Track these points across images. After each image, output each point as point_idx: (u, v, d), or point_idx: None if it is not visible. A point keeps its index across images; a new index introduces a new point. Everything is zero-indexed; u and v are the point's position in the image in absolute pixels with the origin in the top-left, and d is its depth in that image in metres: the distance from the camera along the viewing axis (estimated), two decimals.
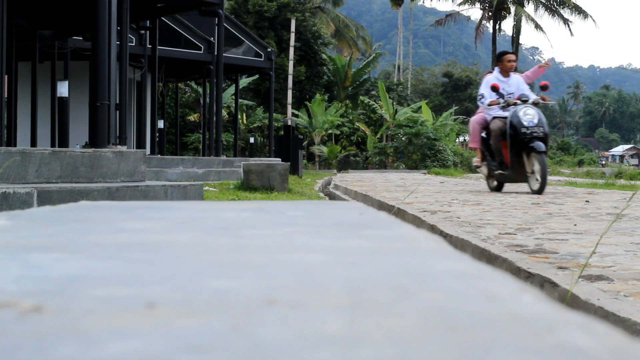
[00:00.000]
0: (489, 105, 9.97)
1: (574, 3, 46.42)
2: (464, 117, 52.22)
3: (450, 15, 49.38)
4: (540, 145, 9.22)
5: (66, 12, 13.09)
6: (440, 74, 75.41)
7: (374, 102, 36.59)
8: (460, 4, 48.16)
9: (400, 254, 1.10)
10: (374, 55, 44.75)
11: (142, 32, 16.01)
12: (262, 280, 0.83)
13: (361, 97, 37.80)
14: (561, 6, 46.87)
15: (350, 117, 36.45)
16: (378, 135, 35.79)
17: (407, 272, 0.90)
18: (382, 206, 7.29)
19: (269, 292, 0.76)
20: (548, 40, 50.56)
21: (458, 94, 68.57)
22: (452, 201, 8.01)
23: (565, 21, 46.65)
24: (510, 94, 10.10)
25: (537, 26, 46.12)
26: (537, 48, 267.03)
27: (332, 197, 10.50)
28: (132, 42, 15.50)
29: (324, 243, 1.21)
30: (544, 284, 2.67)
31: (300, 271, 0.91)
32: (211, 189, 8.78)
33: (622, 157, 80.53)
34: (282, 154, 17.90)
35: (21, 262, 0.97)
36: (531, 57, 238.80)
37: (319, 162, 34.26)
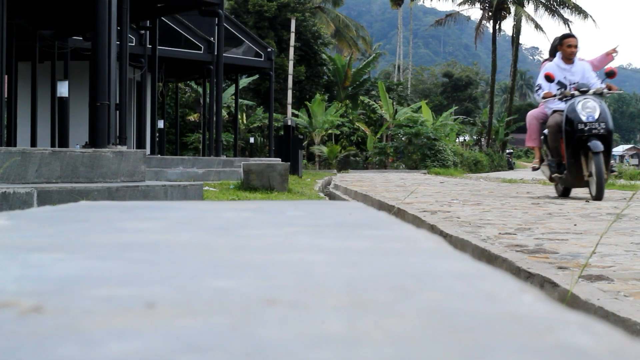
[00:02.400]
0: (543, 98, 8.69)
1: (574, 3, 46.39)
2: (464, 117, 52.28)
3: (450, 15, 49.33)
4: (596, 145, 7.92)
5: (66, 12, 13.09)
6: (440, 74, 75.46)
7: (374, 102, 36.57)
8: (460, 4, 48.14)
9: (400, 254, 1.10)
10: (374, 55, 44.73)
11: (142, 32, 16.01)
12: (262, 280, 0.83)
13: (361, 97, 37.78)
14: (561, 6, 46.84)
15: (350, 117, 36.42)
16: (378, 135, 35.77)
17: (407, 272, 0.90)
18: (382, 206, 7.28)
19: (269, 292, 0.76)
20: (548, 40, 50.65)
21: (458, 94, 68.63)
22: (452, 201, 8.01)
23: (565, 21, 46.63)
24: (574, 83, 8.75)
25: (537, 26, 46.09)
26: (537, 48, 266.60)
27: (332, 197, 10.49)
28: (132, 42, 15.49)
29: (324, 243, 1.21)
30: (544, 284, 2.67)
31: (300, 271, 0.91)
32: (211, 189, 8.78)
33: (622, 157, 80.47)
34: (282, 154, 17.89)
35: (21, 262, 0.97)
36: (531, 57, 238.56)
37: (319, 162, 34.23)
